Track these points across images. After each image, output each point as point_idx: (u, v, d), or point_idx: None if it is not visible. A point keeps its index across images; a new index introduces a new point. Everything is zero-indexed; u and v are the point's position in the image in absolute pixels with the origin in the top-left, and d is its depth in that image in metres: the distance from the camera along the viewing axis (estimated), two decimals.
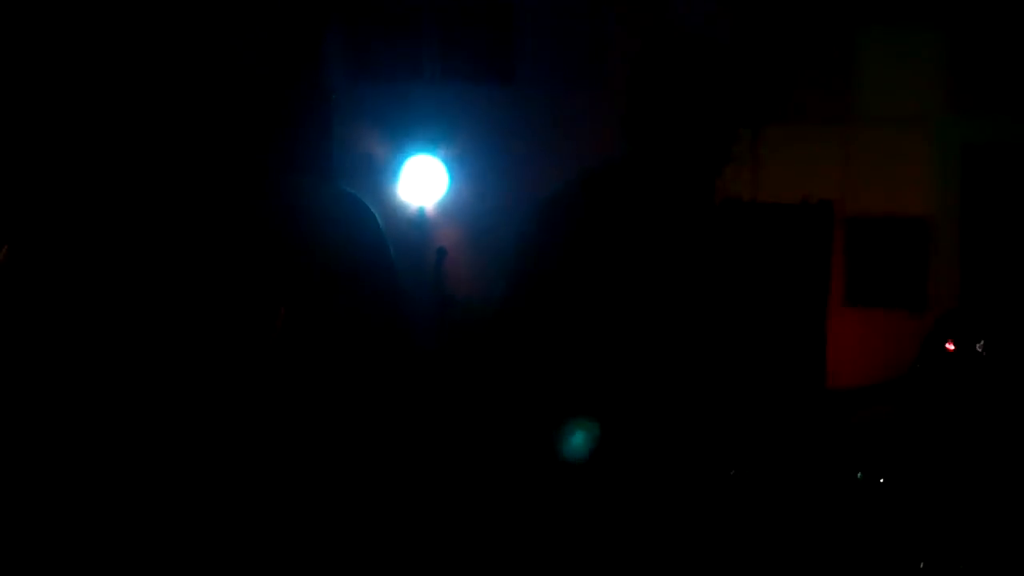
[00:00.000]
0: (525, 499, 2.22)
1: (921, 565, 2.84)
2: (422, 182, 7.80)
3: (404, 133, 7.90)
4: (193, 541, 1.30)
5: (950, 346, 2.65)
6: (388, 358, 1.42)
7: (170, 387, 1.29)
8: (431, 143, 7.91)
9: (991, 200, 7.02)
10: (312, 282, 1.35)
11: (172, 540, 1.29)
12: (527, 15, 8.36)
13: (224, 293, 1.33)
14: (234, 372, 1.31)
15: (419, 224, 7.80)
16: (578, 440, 2.17)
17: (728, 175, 2.35)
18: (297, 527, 1.35)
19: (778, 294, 2.46)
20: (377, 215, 1.53)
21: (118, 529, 1.28)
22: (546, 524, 2.21)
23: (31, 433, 1.28)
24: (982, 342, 2.74)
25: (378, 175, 7.75)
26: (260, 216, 1.38)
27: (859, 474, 2.92)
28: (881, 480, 2.88)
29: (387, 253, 1.46)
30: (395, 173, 7.83)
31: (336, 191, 1.47)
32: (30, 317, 1.29)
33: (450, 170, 7.91)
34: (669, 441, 2.19)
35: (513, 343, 2.23)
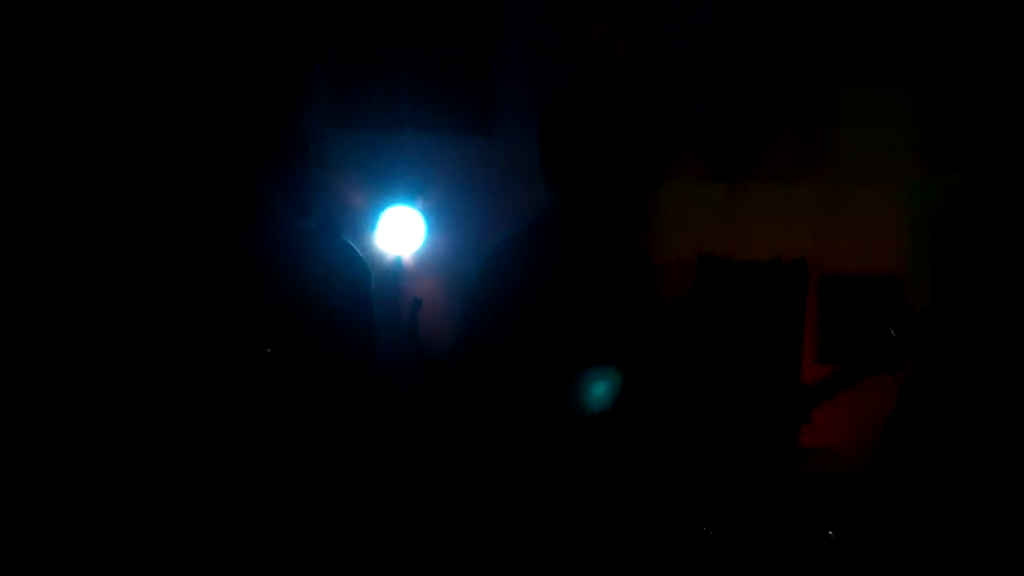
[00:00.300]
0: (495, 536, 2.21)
1: None
2: (399, 232, 7.82)
3: (382, 183, 7.93)
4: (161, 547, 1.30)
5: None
6: (351, 403, 1.43)
7: (151, 409, 1.30)
8: (409, 193, 7.94)
9: (963, 261, 7.09)
10: (296, 323, 1.37)
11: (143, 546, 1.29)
12: (508, 69, 8.44)
13: (208, 323, 1.34)
14: (215, 397, 1.32)
15: (395, 274, 7.80)
16: (599, 391, 2.16)
17: (705, 233, 2.37)
18: (260, 540, 1.35)
19: (753, 352, 2.48)
20: (369, 268, 1.54)
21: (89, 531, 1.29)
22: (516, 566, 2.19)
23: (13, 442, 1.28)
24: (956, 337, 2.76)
25: (355, 224, 7.77)
26: (246, 254, 1.40)
27: (830, 533, 2.92)
28: (852, 538, 2.88)
29: (367, 302, 1.48)
30: (372, 223, 7.85)
31: (328, 236, 1.48)
32: (15, 352, 1.29)
33: (428, 221, 7.93)
34: (643, 497, 2.19)
35: (476, 390, 2.23)
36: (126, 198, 1.45)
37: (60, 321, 1.38)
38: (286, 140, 1.58)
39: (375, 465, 1.56)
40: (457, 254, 7.90)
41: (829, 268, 7.36)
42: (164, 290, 1.38)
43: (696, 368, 2.34)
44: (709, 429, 2.41)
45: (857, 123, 7.57)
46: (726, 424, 2.46)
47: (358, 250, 1.54)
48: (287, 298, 1.48)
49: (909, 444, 3.04)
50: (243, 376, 1.39)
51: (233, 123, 1.50)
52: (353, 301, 1.54)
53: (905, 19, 7.42)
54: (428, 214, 7.95)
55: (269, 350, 1.34)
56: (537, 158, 2.40)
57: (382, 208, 7.83)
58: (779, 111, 7.74)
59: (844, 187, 7.50)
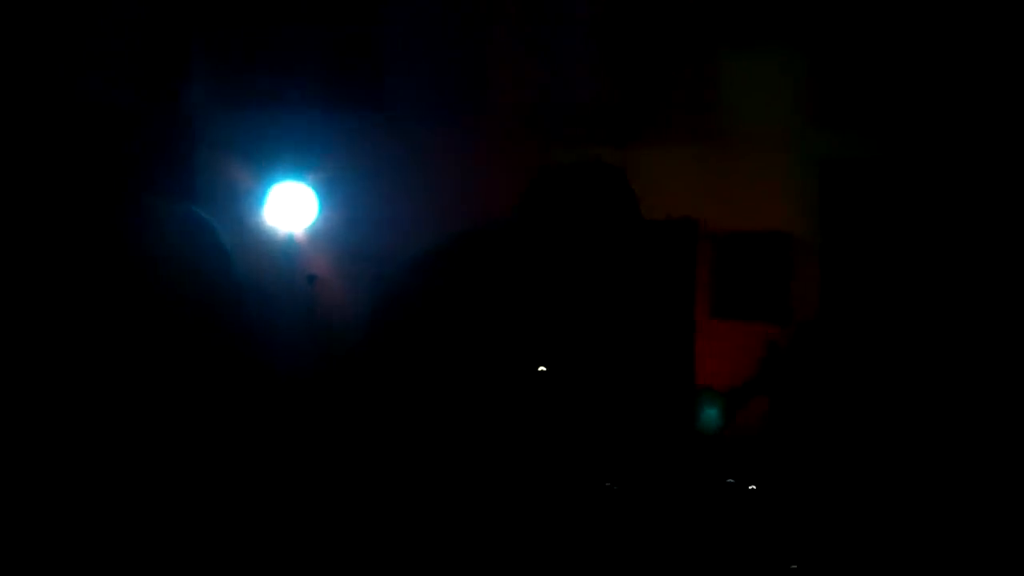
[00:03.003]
0: (384, 508, 2.20)
1: (794, 567, 2.91)
2: (290, 208, 7.72)
3: (271, 159, 7.81)
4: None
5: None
6: (223, 378, 1.40)
7: (17, 398, 1.26)
8: (299, 169, 7.84)
9: (848, 214, 7.27)
10: (155, 302, 1.33)
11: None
12: (397, 44, 8.36)
13: (68, 310, 1.30)
14: (76, 385, 1.28)
15: (288, 251, 7.71)
16: (712, 412, 2.20)
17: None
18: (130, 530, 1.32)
19: (646, 308, 2.50)
20: (222, 236, 1.50)
21: None
22: (400, 540, 2.19)
23: None
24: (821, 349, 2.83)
25: (244, 202, 7.64)
26: (102, 236, 1.36)
27: (729, 480, 2.99)
28: (750, 486, 2.94)
29: (227, 271, 1.44)
30: (262, 200, 7.73)
31: (178, 211, 1.45)
32: None
33: (320, 196, 7.84)
34: (544, 457, 2.21)
35: (395, 372, 2.22)
36: None
37: None
38: (163, 119, 1.53)
39: (258, 444, 1.53)
40: (351, 228, 7.82)
41: (722, 226, 7.47)
42: (22, 278, 1.33)
43: (592, 326, 2.36)
44: (608, 385, 2.44)
45: (739, 84, 7.68)
46: (625, 379, 2.49)
47: (209, 219, 1.50)
48: (147, 276, 1.43)
49: (800, 393, 3.11)
50: (113, 353, 1.34)
51: (95, 109, 1.44)
52: (212, 270, 1.50)
53: None
54: (320, 189, 7.86)
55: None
56: (435, 135, 2.37)
57: (271, 184, 7.72)
58: (663, 75, 7.82)
59: (732, 146, 7.61)
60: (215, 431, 1.34)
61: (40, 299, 1.19)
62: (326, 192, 7.88)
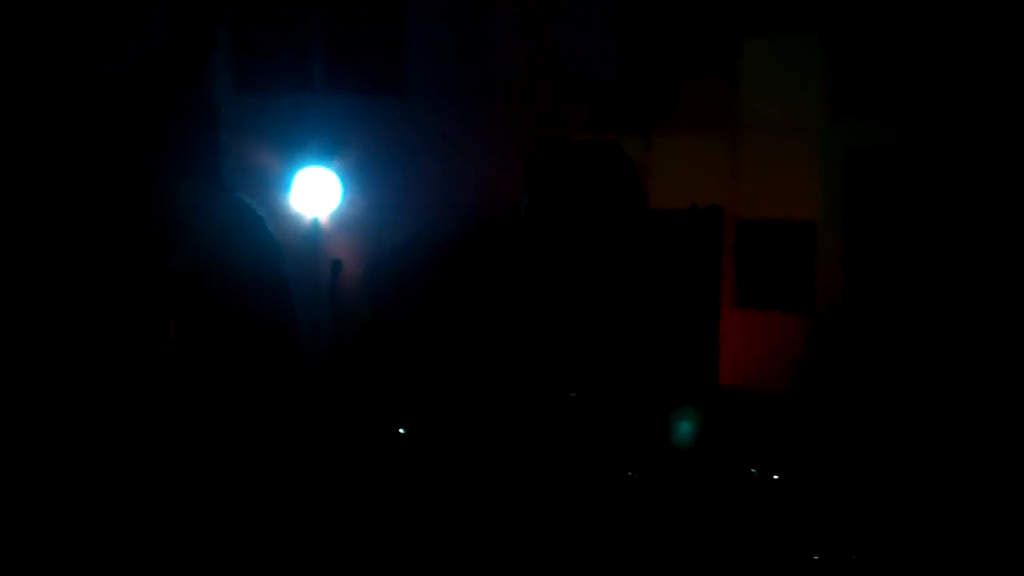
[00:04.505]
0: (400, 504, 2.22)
1: (815, 558, 2.91)
2: (315, 194, 7.75)
3: (296, 145, 7.83)
4: (73, 544, 1.28)
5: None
6: (276, 367, 1.42)
7: (60, 394, 1.28)
8: (324, 154, 7.86)
9: (873, 202, 7.23)
10: (202, 290, 1.35)
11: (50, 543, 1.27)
12: (419, 29, 8.37)
13: (113, 300, 1.31)
14: (126, 379, 1.29)
15: (313, 236, 7.74)
16: (686, 428, 2.23)
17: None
18: (180, 531, 1.34)
19: (671, 297, 2.50)
20: (267, 222, 1.51)
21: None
22: (419, 533, 2.20)
23: None
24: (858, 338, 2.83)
25: (270, 187, 7.68)
26: (145, 222, 1.37)
27: (753, 471, 2.98)
28: (775, 476, 2.94)
29: (277, 260, 1.46)
30: (287, 185, 7.76)
31: (226, 197, 1.46)
32: None
33: (344, 181, 7.87)
34: (566, 445, 2.22)
35: (422, 363, 2.23)
36: (15, 173, 1.40)
37: None
38: (191, 105, 1.54)
39: (307, 432, 1.54)
40: (375, 213, 7.85)
41: (745, 214, 7.45)
42: (66, 263, 1.34)
43: (615, 316, 2.37)
44: (631, 375, 2.44)
45: (763, 71, 7.64)
46: (647, 370, 2.49)
47: (256, 209, 1.51)
48: (195, 261, 1.44)
49: (822, 383, 3.09)
50: (159, 342, 1.36)
51: (130, 90, 1.45)
52: (262, 258, 1.51)
53: None
54: (344, 175, 7.89)
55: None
56: (453, 117, 2.38)
57: (297, 170, 7.75)
58: (687, 63, 7.79)
59: (755, 134, 7.59)
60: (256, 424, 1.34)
61: (84, 287, 1.20)
62: (351, 177, 7.91)
